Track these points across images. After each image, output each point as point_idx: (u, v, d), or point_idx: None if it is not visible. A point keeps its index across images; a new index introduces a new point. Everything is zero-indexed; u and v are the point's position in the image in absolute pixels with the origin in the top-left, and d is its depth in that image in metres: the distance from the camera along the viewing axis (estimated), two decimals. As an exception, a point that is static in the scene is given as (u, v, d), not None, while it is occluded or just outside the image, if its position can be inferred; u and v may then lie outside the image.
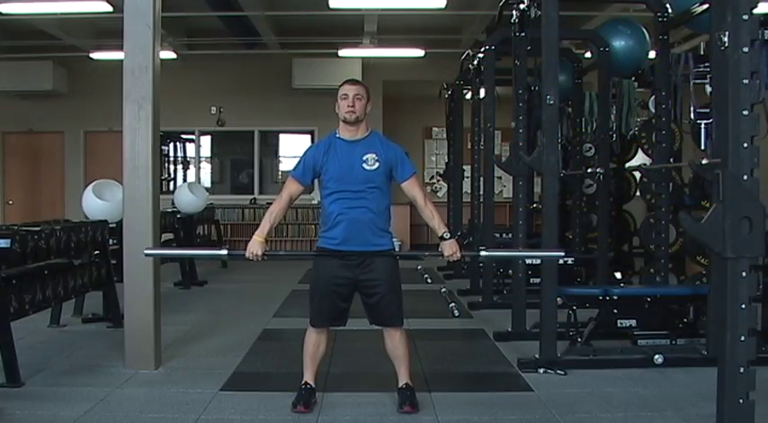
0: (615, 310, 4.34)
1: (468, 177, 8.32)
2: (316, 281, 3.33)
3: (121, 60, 4.04)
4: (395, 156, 3.26)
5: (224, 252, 3.23)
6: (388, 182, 3.28)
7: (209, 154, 11.71)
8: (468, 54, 7.66)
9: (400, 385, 3.35)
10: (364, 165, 3.19)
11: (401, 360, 3.34)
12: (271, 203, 3.34)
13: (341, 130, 3.28)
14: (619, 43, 6.15)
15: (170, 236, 7.66)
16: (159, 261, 4.24)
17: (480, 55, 6.70)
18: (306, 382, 3.37)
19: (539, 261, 4.25)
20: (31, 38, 9.39)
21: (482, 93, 6.91)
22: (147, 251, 3.62)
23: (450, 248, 3.22)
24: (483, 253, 3.37)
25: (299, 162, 3.33)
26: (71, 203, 10.06)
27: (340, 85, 3.29)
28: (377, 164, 3.20)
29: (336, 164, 3.22)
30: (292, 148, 11.73)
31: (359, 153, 3.21)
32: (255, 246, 3.19)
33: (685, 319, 4.44)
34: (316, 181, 3.35)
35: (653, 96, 5.60)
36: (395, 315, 3.29)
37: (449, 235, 3.25)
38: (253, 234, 3.24)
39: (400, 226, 9.75)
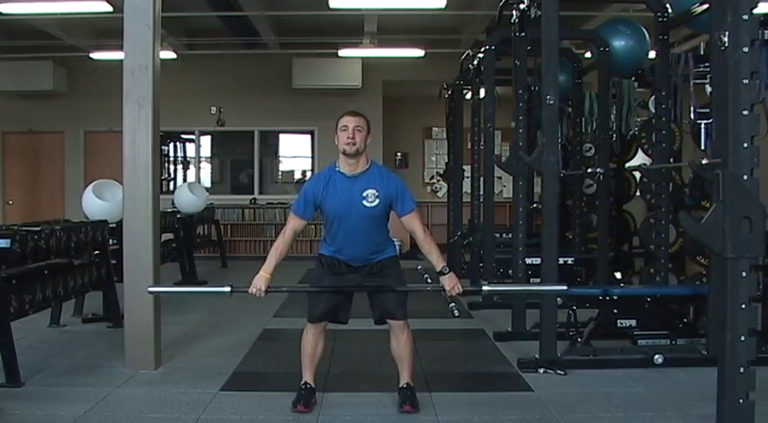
0: (615, 310, 4.34)
1: (468, 177, 8.32)
2: (316, 281, 3.35)
3: (121, 60, 4.04)
4: (395, 190, 3.23)
5: (227, 289, 3.22)
6: (388, 213, 3.27)
7: (209, 154, 11.69)
8: (468, 54, 7.66)
9: (401, 385, 3.36)
10: (364, 202, 3.18)
11: (405, 361, 3.35)
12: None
13: (340, 163, 3.25)
14: (619, 43, 6.15)
15: (170, 236, 7.66)
16: (159, 261, 4.23)
17: (480, 55, 6.69)
18: (305, 382, 3.37)
19: (538, 261, 4.25)
20: (31, 38, 9.39)
21: (482, 93, 6.90)
22: (150, 289, 3.65)
23: (450, 282, 3.21)
24: (485, 288, 3.37)
25: (299, 198, 3.32)
26: (71, 203, 10.05)
27: (339, 117, 3.25)
28: (377, 200, 3.18)
29: (336, 199, 3.21)
30: (292, 148, 11.73)
31: (359, 189, 3.19)
32: (261, 281, 3.18)
33: (685, 319, 4.45)
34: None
35: (653, 96, 5.59)
36: (400, 308, 3.29)
37: (448, 269, 3.24)
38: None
39: (400, 227, 9.72)
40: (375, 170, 3.26)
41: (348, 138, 3.17)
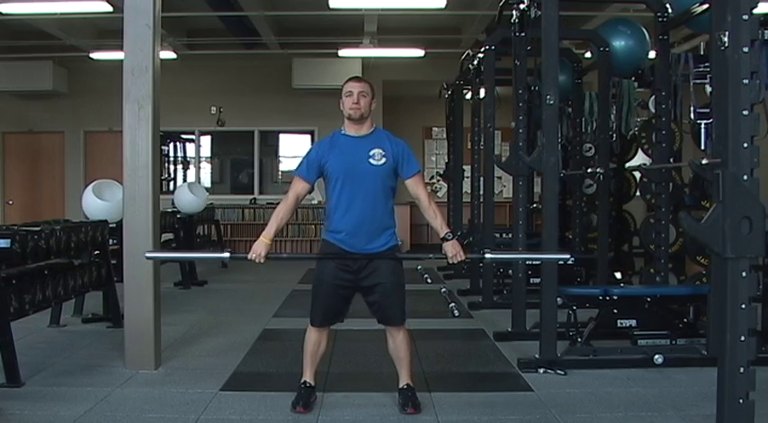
0: (615, 310, 4.33)
1: (468, 177, 8.32)
2: (317, 282, 3.31)
3: (121, 60, 4.04)
4: (402, 151, 3.25)
5: (226, 255, 3.18)
6: (394, 178, 3.26)
7: (209, 154, 11.71)
8: (468, 54, 7.66)
9: (401, 386, 3.35)
10: (371, 160, 3.18)
11: (403, 361, 3.34)
12: (271, 204, 3.35)
13: (346, 127, 3.27)
14: (619, 43, 6.14)
15: (170, 236, 7.66)
16: (159, 261, 4.23)
17: (480, 55, 6.69)
18: (305, 381, 3.37)
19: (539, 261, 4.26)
20: (31, 38, 9.40)
21: (482, 93, 6.90)
22: (147, 254, 3.61)
23: (452, 249, 3.19)
24: (488, 255, 3.32)
25: (302, 160, 3.31)
26: (71, 203, 10.07)
27: (344, 83, 3.28)
28: (383, 159, 3.19)
29: (342, 159, 3.20)
30: (292, 148, 11.74)
31: (365, 148, 3.20)
32: (261, 246, 3.14)
33: (685, 319, 4.44)
34: (317, 184, 3.34)
35: (653, 96, 5.59)
36: (396, 315, 3.28)
37: (451, 236, 3.23)
38: (253, 234, 3.24)
39: (400, 226, 9.71)
40: (380, 132, 3.30)
41: (353, 103, 3.20)
